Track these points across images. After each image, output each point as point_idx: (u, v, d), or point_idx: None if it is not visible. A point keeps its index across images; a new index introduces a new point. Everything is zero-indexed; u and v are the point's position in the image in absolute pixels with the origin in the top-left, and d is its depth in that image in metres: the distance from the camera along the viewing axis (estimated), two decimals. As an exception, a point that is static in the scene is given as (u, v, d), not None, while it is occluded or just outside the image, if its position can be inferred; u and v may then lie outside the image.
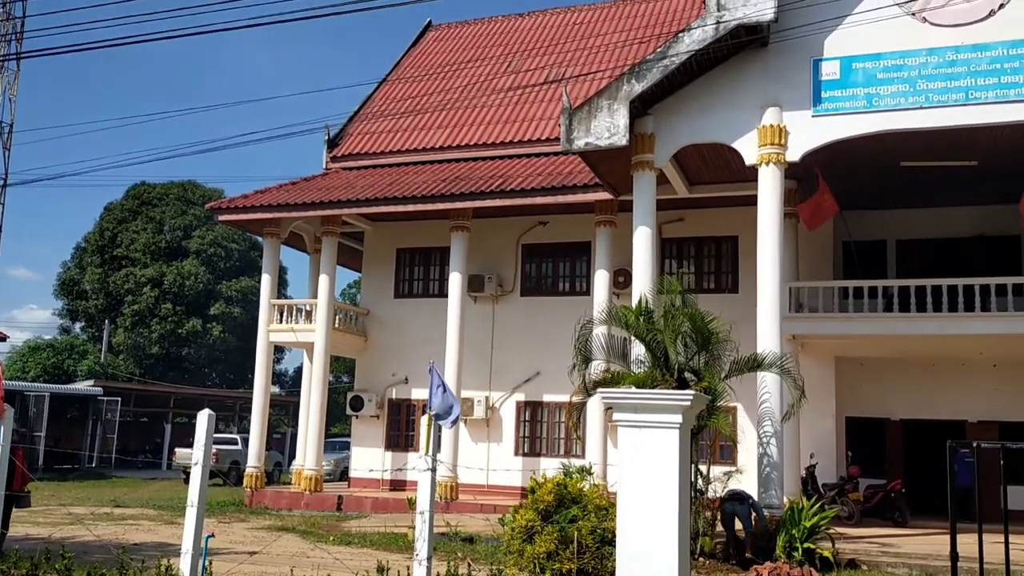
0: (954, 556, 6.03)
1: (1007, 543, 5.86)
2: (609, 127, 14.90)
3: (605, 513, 9.87)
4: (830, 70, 14.51)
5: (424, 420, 7.34)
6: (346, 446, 26.08)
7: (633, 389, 8.69)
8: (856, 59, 14.41)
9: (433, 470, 7.09)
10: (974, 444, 6.03)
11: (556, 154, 19.86)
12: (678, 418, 6.64)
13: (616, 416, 6.84)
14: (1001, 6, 13.84)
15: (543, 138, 21.47)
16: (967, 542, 6.14)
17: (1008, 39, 13.68)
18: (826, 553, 12.21)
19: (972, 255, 18.47)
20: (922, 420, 18.71)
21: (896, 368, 19.01)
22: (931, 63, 14.02)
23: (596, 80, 21.42)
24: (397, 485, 21.59)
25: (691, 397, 6.63)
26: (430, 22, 28.92)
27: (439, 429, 7.72)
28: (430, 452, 7.05)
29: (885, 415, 19.30)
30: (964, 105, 13.82)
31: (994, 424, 18.38)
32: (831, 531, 13.02)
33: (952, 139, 14.91)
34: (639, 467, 6.69)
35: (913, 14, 14.24)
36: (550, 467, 17.34)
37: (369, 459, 22.21)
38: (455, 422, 7.70)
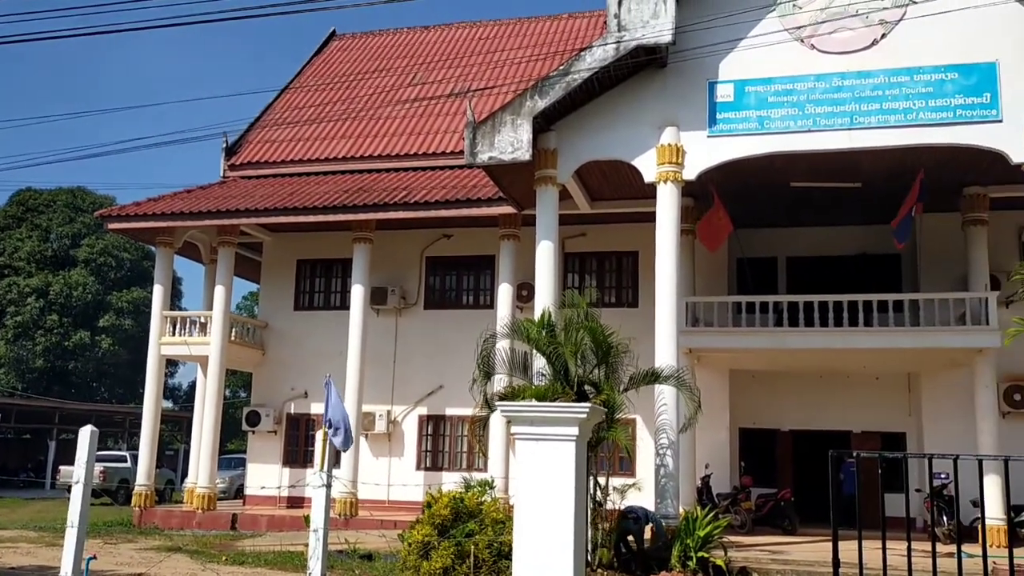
0: (835, 562, 6.27)
1: (884, 549, 6.14)
2: (513, 142, 15.02)
3: (503, 527, 9.88)
4: (725, 92, 15.01)
5: (319, 435, 7.21)
6: (242, 463, 25.36)
7: (532, 402, 8.74)
8: (749, 83, 14.95)
9: (328, 486, 6.96)
10: (855, 454, 6.26)
11: (460, 167, 19.89)
12: (574, 431, 6.72)
13: (514, 429, 6.87)
14: (883, 36, 14.59)
15: (448, 151, 21.48)
16: (851, 548, 6.38)
17: (889, 67, 14.44)
18: (719, 562, 12.52)
19: (856, 272, 19.34)
20: (810, 431, 19.43)
21: (786, 380, 19.71)
22: (819, 88, 14.67)
23: (501, 94, 21.58)
24: (295, 502, 21.09)
25: (587, 410, 6.72)
26: (334, 31, 28.62)
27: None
28: (325, 468, 6.91)
29: (776, 426, 19.97)
30: (849, 129, 14.50)
31: (876, 434, 19.26)
32: (724, 540, 13.36)
33: (838, 162, 15.59)
34: (536, 479, 6.73)
35: (802, 40, 14.87)
36: (452, 481, 17.21)
37: (266, 476, 21.66)
38: (347, 443, 7.57)
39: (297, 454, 21.84)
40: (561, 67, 15.34)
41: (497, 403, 8.32)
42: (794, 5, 14.93)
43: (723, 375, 19.60)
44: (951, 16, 13.99)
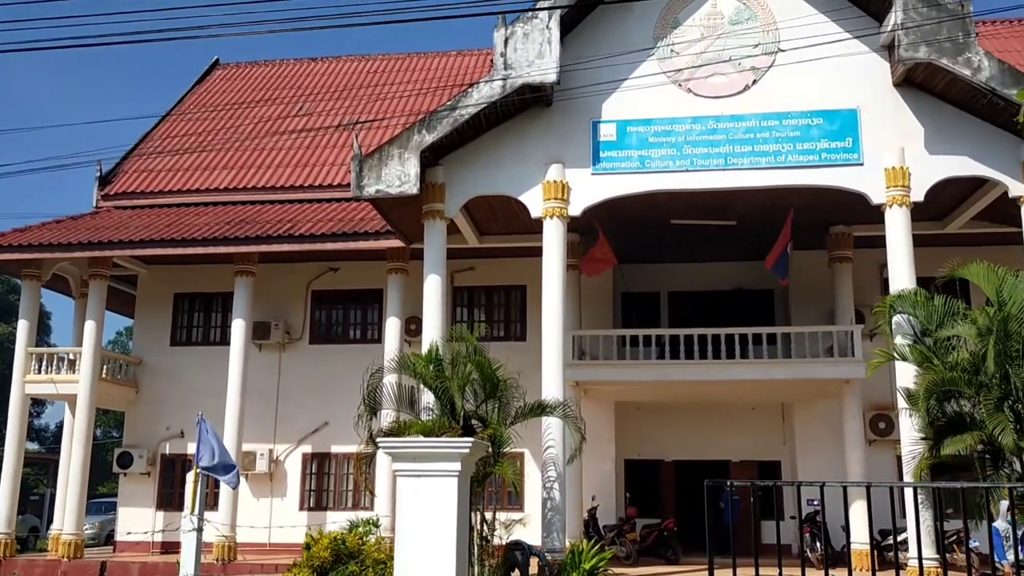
0: (712, 589, 6.40)
1: (757, 574, 6.30)
2: (400, 175, 14.99)
3: (384, 567, 9.69)
4: (608, 132, 15.44)
5: (190, 476, 6.90)
6: (113, 507, 23.99)
7: (414, 438, 8.65)
8: (630, 123, 15.43)
9: (200, 530, 6.66)
10: (728, 483, 6.45)
11: (347, 200, 19.65)
12: (457, 466, 6.67)
13: (395, 466, 6.77)
14: (755, 82, 15.36)
15: (334, 183, 21.23)
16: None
17: (761, 112, 15.19)
18: (604, 594, 12.62)
19: (733, 307, 20.05)
20: (692, 460, 19.89)
21: (670, 412, 20.16)
22: (695, 130, 15.28)
23: (389, 128, 21.52)
24: (170, 548, 20.04)
25: (470, 444, 6.69)
26: (217, 60, 27.97)
27: (210, 485, 7.28)
28: (196, 511, 6.62)
29: (660, 456, 20.37)
30: (724, 170, 15.14)
31: (754, 463, 19.91)
32: (610, 572, 13.49)
33: (715, 200, 16.23)
34: (418, 516, 6.64)
35: (679, 84, 15.48)
36: (338, 521, 16.83)
37: (138, 520, 20.57)
38: (234, 479, 7.29)
39: (172, 496, 20.84)
40: (449, 102, 15.46)
41: (379, 440, 8.18)
42: (671, 49, 15.55)
43: (609, 407, 19.91)
44: (816, 65, 14.84)
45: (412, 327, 19.30)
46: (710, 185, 15.27)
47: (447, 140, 15.31)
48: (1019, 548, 8.47)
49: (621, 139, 15.40)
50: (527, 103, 15.46)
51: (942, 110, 14.88)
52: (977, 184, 15.66)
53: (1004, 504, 10.26)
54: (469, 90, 15.24)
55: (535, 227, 15.75)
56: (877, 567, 15.49)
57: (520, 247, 18.45)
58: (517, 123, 15.76)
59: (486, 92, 14.89)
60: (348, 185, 16.62)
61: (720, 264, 20.36)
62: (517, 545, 12.94)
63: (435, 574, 6.56)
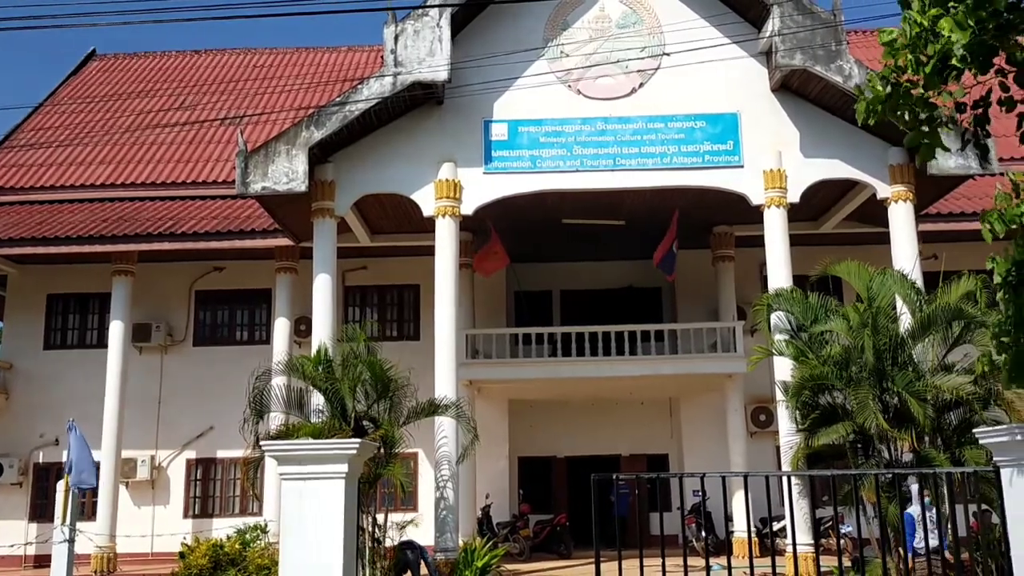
0: (598, 582, 6.51)
1: (641, 566, 6.44)
2: (288, 172, 14.67)
3: (268, 572, 9.45)
4: (499, 131, 15.51)
5: (61, 485, 6.57)
6: (-21, 521, 22.54)
7: (299, 441, 8.47)
8: (522, 123, 15.55)
9: (71, 541, 6.34)
10: (614, 477, 6.58)
11: (233, 197, 19.08)
12: (344, 467, 6.57)
13: (280, 469, 6.62)
14: (641, 85, 15.72)
15: (219, 180, 20.58)
16: (624, 568, 6.63)
17: (647, 114, 15.56)
18: (497, 590, 12.68)
19: (623, 305, 20.47)
20: (584, 456, 20.19)
21: (562, 409, 20.42)
22: (585, 131, 15.53)
23: (277, 123, 21.04)
24: (43, 561, 18.94)
25: (357, 446, 6.60)
26: (94, 50, 26.70)
27: (83, 494, 6.95)
28: (67, 521, 6.30)
29: (553, 453, 20.61)
30: (612, 171, 15.45)
31: (643, 456, 20.39)
32: (502, 568, 13.58)
33: (604, 200, 16.54)
34: (303, 520, 6.51)
35: (569, 85, 15.70)
36: (224, 528, 16.34)
37: (10, 533, 19.37)
38: (88, 484, 6.96)
39: (46, 507, 19.71)
40: (339, 98, 15.24)
41: (263, 443, 7.96)
42: (561, 51, 15.76)
43: (503, 405, 20.01)
44: (699, 69, 15.31)
45: (302, 328, 18.89)
46: (599, 185, 15.55)
47: (337, 137, 15.07)
48: (933, 533, 8.69)
49: (513, 139, 15.50)
50: (419, 101, 15.38)
51: (816, 115, 15.58)
52: (849, 186, 16.46)
53: (915, 488, 10.41)
54: (359, 86, 15.05)
55: (428, 226, 15.69)
56: (758, 554, 16.16)
57: (413, 246, 18.33)
58: (409, 121, 15.65)
59: (376, 89, 14.73)
60: (233, 182, 16.15)
61: (611, 263, 20.73)
62: (408, 545, 12.86)
63: (322, 578, 6.44)
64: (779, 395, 13.95)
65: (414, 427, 13.89)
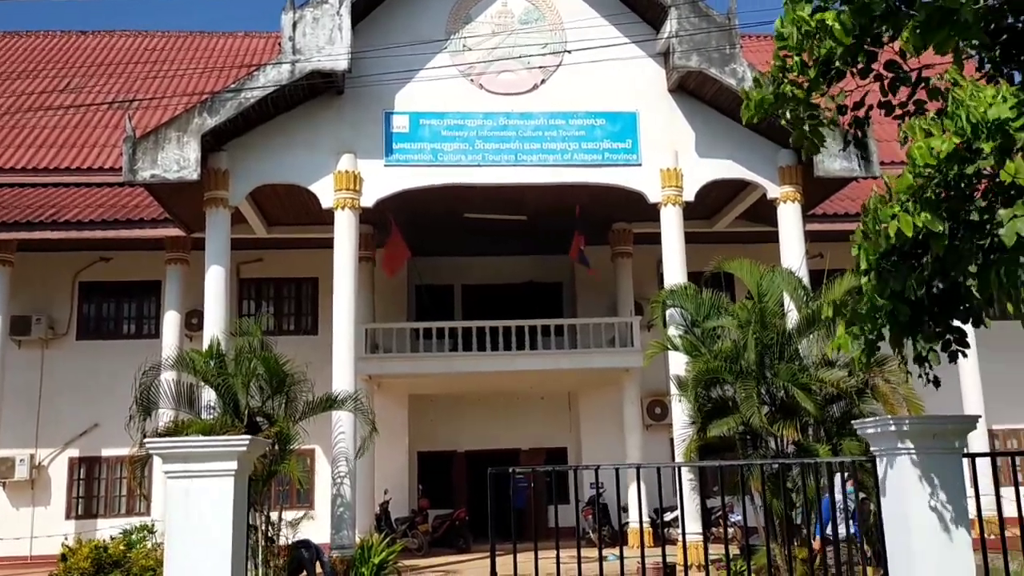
0: (493, 574, 6.54)
1: (536, 558, 6.49)
2: (179, 160, 14.16)
3: (152, 574, 9.12)
4: (400, 123, 15.36)
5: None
6: None
7: (185, 438, 8.19)
8: (423, 115, 15.44)
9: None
10: (510, 470, 6.60)
11: (121, 185, 18.29)
12: (233, 465, 6.38)
13: (165, 467, 6.38)
14: (543, 81, 15.83)
15: (107, 167, 19.69)
16: (521, 560, 6.66)
17: (548, 111, 15.68)
18: (394, 587, 12.60)
19: (524, 300, 20.61)
20: (484, 451, 20.24)
21: (462, 403, 20.42)
22: (487, 126, 15.53)
23: (168, 109, 20.27)
24: (-92, 569, 17.88)
25: (247, 442, 6.41)
26: (-31, 26, 25.14)
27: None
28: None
29: (453, 448, 20.59)
30: (514, 166, 15.51)
31: (542, 451, 20.59)
32: (400, 564, 13.48)
33: (506, 195, 16.58)
34: (190, 519, 6.29)
35: (472, 79, 15.68)
36: (110, 529, 15.73)
37: None
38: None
39: (-88, 513, 18.56)
40: (234, 84, 14.80)
41: (147, 440, 7.66)
42: (464, 44, 15.72)
43: (402, 400, 19.87)
44: (600, 67, 15.52)
45: (194, 321, 18.27)
46: (501, 180, 15.59)
47: (232, 124, 14.64)
48: (849, 522, 8.93)
49: (414, 131, 15.37)
50: (318, 90, 15.09)
51: (711, 116, 16.01)
52: (741, 186, 16.99)
53: (837, 477, 10.52)
54: (256, 73, 14.66)
55: (327, 218, 15.42)
56: (651, 543, 16.53)
57: (311, 238, 18.00)
58: (307, 110, 15.34)
59: (273, 76, 14.38)
60: (121, 169, 15.49)
61: (512, 258, 20.82)
62: (303, 544, 12.62)
63: (209, 579, 6.25)
64: (673, 389, 14.29)
65: (312, 423, 13.65)
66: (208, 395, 13.16)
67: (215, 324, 14.57)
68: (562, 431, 20.78)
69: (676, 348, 13.72)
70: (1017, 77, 4.95)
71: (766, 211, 16.70)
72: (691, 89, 15.94)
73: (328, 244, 15.39)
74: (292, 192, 15.96)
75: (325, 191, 15.14)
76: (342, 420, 14.22)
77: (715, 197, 17.41)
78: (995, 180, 3.80)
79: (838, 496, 10.62)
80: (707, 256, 14.91)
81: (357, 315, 15.23)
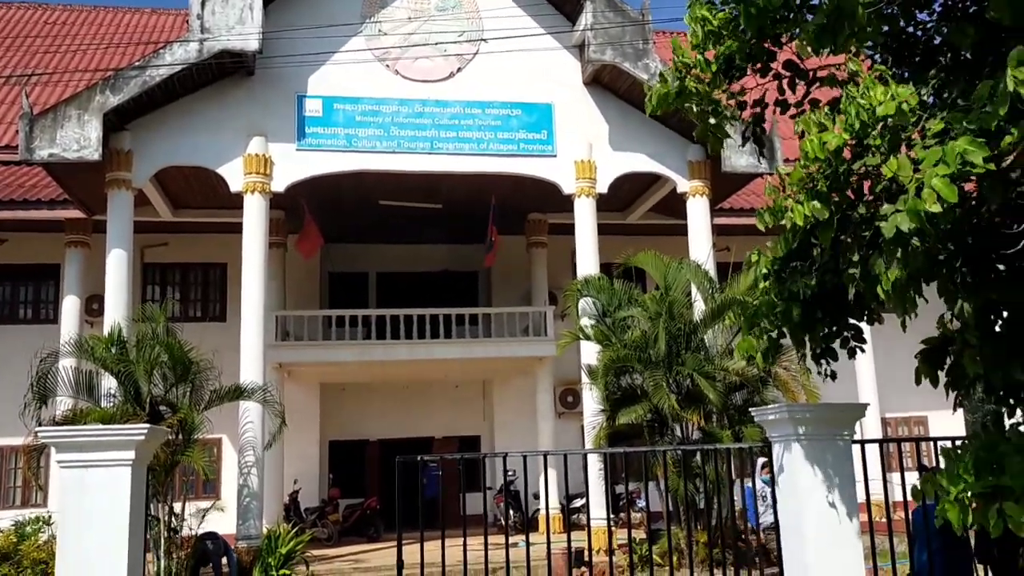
0: (399, 564, 6.54)
1: (443, 545, 6.51)
2: (79, 139, 13.60)
3: (45, 567, 8.80)
4: (313, 107, 15.09)
5: None
6: None
7: (80, 426, 7.91)
8: (337, 100, 15.21)
9: None
10: (420, 458, 6.60)
11: (17, 163, 17.46)
12: (131, 454, 6.19)
13: (59, 456, 6.15)
14: (460, 69, 15.78)
15: (2, 144, 18.76)
16: (431, 548, 6.66)
17: (465, 99, 15.65)
18: (301, 577, 12.45)
19: (440, 288, 20.56)
20: (397, 439, 20.13)
21: (376, 392, 20.27)
22: (403, 112, 15.41)
23: (69, 85, 19.42)
24: None
25: (146, 431, 6.24)
26: None
27: None
28: None
29: (365, 436, 20.41)
30: (430, 154, 15.43)
31: (455, 439, 20.62)
32: (309, 554, 13.32)
33: (421, 183, 16.48)
34: (85, 510, 6.08)
35: (387, 65, 15.51)
36: (3, 521, 15.07)
37: None
38: None
39: None
40: (139, 62, 14.28)
41: (39, 429, 7.36)
42: (379, 29, 15.53)
43: (314, 389, 19.60)
44: (516, 58, 15.56)
45: (94, 307, 17.61)
46: (416, 168, 15.49)
47: (136, 103, 14.15)
48: (769, 509, 9.08)
49: (328, 115, 15.13)
50: (227, 70, 14.69)
51: (625, 110, 16.25)
52: (653, 179, 17.30)
53: (761, 461, 10.65)
54: (162, 51, 14.18)
55: (236, 202, 15.05)
56: (561, 529, 16.75)
57: (220, 222, 17.54)
58: (217, 91, 14.92)
59: (181, 55, 13.93)
60: (17, 147, 14.79)
61: (428, 246, 20.73)
62: (208, 536, 12.36)
63: (105, 571, 6.07)
64: (585, 378, 14.52)
65: (219, 412, 13.37)
66: (109, 383, 12.75)
67: (117, 310, 14.08)
68: (476, 419, 20.84)
69: (588, 337, 13.93)
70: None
71: (676, 204, 17.06)
72: (606, 82, 16.13)
73: (237, 229, 15.03)
74: (199, 175, 15.53)
75: (234, 174, 14.77)
76: (250, 409, 13.95)
77: (628, 189, 17.69)
78: (880, 176, 3.98)
79: (759, 483, 11.00)
80: (620, 247, 15.18)
81: (267, 302, 14.94)
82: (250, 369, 14.19)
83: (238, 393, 13.32)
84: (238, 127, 14.82)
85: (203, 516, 13.07)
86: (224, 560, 12.32)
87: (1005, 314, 4.67)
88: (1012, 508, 3.82)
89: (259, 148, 14.75)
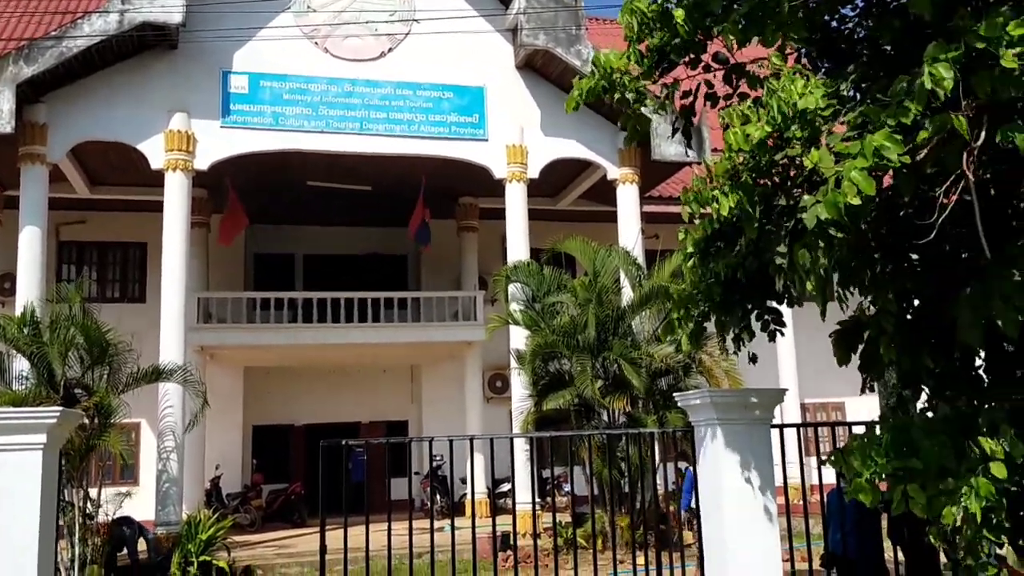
0: (322, 549, 6.48)
1: (368, 532, 6.47)
2: (-10, 110, 13.00)
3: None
4: (239, 84, 14.72)
5: None
6: None
7: (-10, 410, 7.59)
8: (264, 77, 14.86)
9: None
10: (344, 442, 6.52)
11: (-79, 134, 16.62)
12: (42, 438, 5.97)
13: (-39, 442, 5.90)
14: (391, 49, 15.58)
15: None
16: (357, 533, 6.61)
17: (396, 80, 15.46)
18: (222, 563, 12.25)
19: (369, 271, 20.35)
20: (324, 424, 19.89)
21: (301, 376, 19.97)
22: (332, 91, 15.14)
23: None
24: None
25: (57, 414, 6.02)
26: None
27: None
28: None
29: (290, 421, 20.12)
30: (359, 135, 15.21)
31: (383, 423, 20.49)
32: (230, 540, 13.10)
33: (351, 164, 16.25)
34: (-10, 498, 5.85)
35: (316, 42, 15.21)
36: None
37: None
38: None
39: None
40: (56, 32, 13.72)
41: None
42: (308, 5, 15.22)
43: (238, 372, 19.22)
44: (449, 39, 15.43)
45: (6, 286, 16.92)
46: (345, 149, 15.25)
47: (52, 75, 13.60)
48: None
49: (254, 93, 14.77)
50: (149, 43, 14.22)
51: (557, 96, 16.24)
52: (584, 166, 17.40)
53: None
54: (80, 21, 13.65)
55: (157, 179, 14.61)
56: (487, 514, 16.81)
57: (140, 200, 17.06)
58: (138, 64, 14.44)
59: (100, 25, 13.42)
60: (-80, 116, 14.05)
61: (357, 229, 20.47)
62: (124, 521, 12.04)
63: (13, 561, 5.86)
64: (513, 363, 14.57)
65: (138, 396, 13.02)
66: (21, 365, 12.33)
67: (30, 289, 13.55)
68: (404, 404, 20.74)
69: (517, 323, 13.98)
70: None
71: (607, 191, 17.19)
72: (538, 67, 16.12)
73: (158, 207, 14.61)
74: (119, 151, 15.00)
75: (155, 151, 14.33)
76: (170, 392, 13.61)
77: (559, 175, 17.75)
78: (802, 168, 4.07)
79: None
80: (551, 233, 15.25)
81: (189, 283, 14.56)
82: (170, 351, 13.82)
83: (157, 375, 12.98)
84: (160, 102, 14.37)
85: (120, 502, 12.73)
86: (145, 546, 12.03)
87: (916, 302, 4.83)
88: (915, 490, 3.97)
89: (181, 124, 14.33)
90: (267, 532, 16.44)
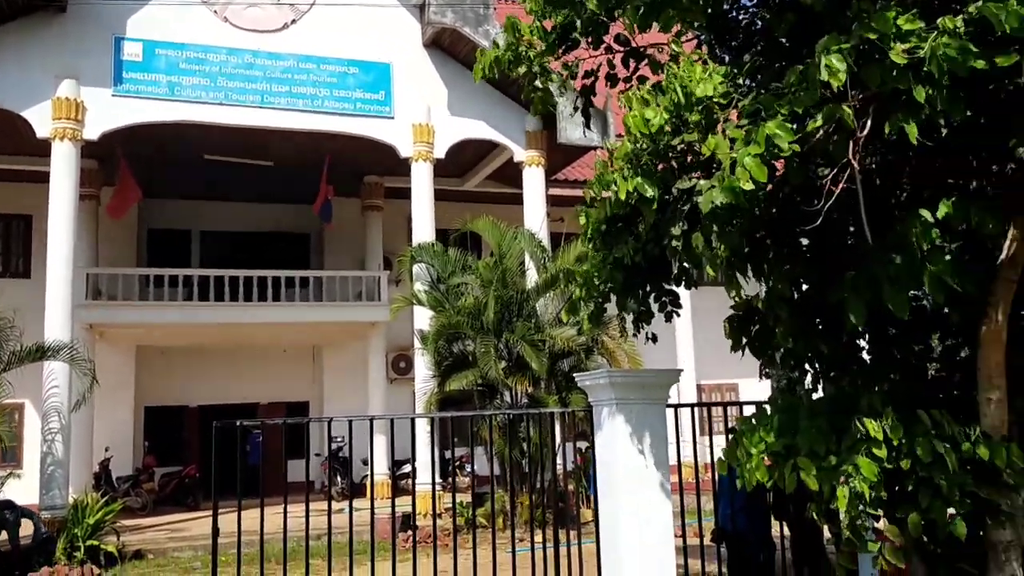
0: (215, 531, 6.32)
1: (263, 514, 6.35)
2: None
3: None
4: (132, 51, 14.08)
5: None
6: None
7: None
8: (159, 45, 14.26)
9: None
10: (239, 424, 6.35)
11: None
12: (-93, 421, 5.62)
13: None
14: (294, 21, 15.17)
15: None
16: (252, 516, 6.47)
17: (299, 53, 15.07)
18: (111, 548, 11.83)
19: (270, 249, 19.85)
20: (220, 405, 19.34)
21: (197, 356, 19.37)
22: (231, 62, 14.64)
23: None
24: None
25: (-75, 395, 5.67)
26: None
27: None
28: None
29: (185, 402, 19.51)
30: (260, 108, 14.77)
31: (282, 404, 20.08)
32: (120, 524, 12.65)
33: (251, 138, 15.77)
34: None
35: (216, 11, 14.68)
36: None
37: None
38: None
39: None
40: (-73, -13, 12.80)
41: None
42: (207, -28, 14.66)
43: (129, 352, 18.53)
44: (355, 13, 15.13)
45: None
46: (245, 122, 14.79)
47: (-75, 34, 12.70)
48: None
49: (148, 61, 14.16)
50: (36, 5, 13.48)
51: (464, 75, 16.13)
52: (491, 147, 17.38)
53: None
54: (-43, -23, 12.77)
55: (44, 149, 13.86)
56: (389, 495, 16.75)
57: (24, 170, 16.23)
58: (23, 26, 13.65)
59: (-22, -19, 12.60)
60: None
61: (258, 205, 19.96)
62: (6, 505, 11.47)
63: None
64: (417, 343, 14.49)
65: (22, 375, 12.42)
66: None
67: (-102, 262, 12.70)
68: (305, 385, 20.39)
69: (421, 303, 13.91)
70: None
71: (513, 173, 17.22)
72: (446, 46, 15.98)
73: (44, 178, 13.87)
74: (2, 117, 14.16)
75: (41, 118, 13.59)
76: (56, 372, 13.00)
77: (466, 156, 17.69)
78: (699, 153, 4.15)
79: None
80: (457, 214, 15.19)
81: (77, 258, 13.89)
82: (56, 328, 13.18)
83: (41, 353, 12.38)
84: (47, 68, 13.62)
85: (0, 485, 12.12)
86: (32, 531, 11.48)
87: (805, 287, 5.01)
88: (804, 462, 4.14)
89: (70, 92, 13.63)
90: (160, 516, 15.96)
